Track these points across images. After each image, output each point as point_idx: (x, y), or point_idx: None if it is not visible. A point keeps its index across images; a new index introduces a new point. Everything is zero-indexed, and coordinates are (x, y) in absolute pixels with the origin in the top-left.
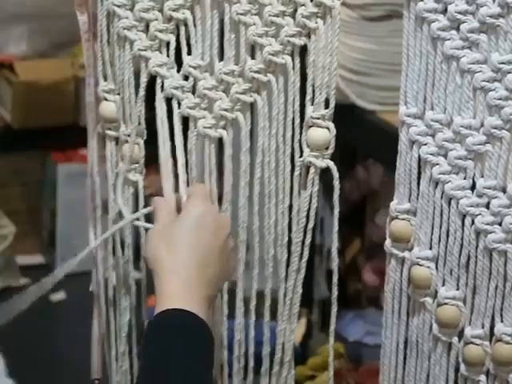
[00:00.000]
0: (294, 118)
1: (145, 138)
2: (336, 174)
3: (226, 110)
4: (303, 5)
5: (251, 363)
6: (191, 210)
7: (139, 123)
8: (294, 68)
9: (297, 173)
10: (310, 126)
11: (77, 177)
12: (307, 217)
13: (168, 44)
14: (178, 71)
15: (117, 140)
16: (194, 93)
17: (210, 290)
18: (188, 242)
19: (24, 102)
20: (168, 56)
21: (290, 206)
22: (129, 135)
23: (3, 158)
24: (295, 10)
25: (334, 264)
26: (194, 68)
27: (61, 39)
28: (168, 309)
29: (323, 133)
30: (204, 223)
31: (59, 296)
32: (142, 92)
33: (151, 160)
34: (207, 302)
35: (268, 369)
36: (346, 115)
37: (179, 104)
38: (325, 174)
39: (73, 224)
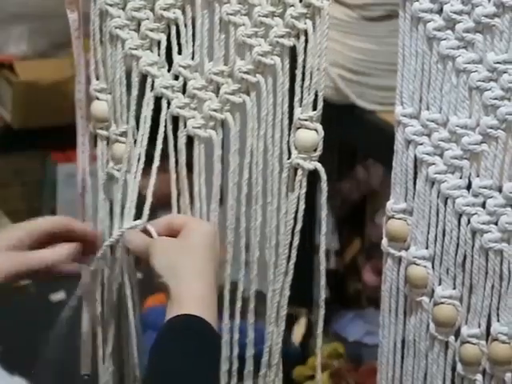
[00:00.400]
0: (282, 120)
1: (136, 137)
2: (324, 177)
3: (215, 110)
4: (292, 5)
5: (250, 365)
6: (200, 226)
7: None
8: (282, 69)
9: (285, 175)
10: (298, 128)
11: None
12: (295, 219)
13: (159, 43)
14: (169, 71)
15: (108, 139)
16: (184, 92)
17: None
18: (205, 255)
19: (24, 102)
20: (159, 55)
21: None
22: (120, 135)
23: (3, 158)
24: (284, 11)
25: (322, 267)
26: (184, 68)
27: (61, 39)
28: (183, 314)
29: (311, 135)
30: (215, 238)
31: (59, 296)
32: (134, 91)
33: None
34: (216, 312)
35: (252, 371)
36: (346, 115)
37: (169, 103)
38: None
39: None
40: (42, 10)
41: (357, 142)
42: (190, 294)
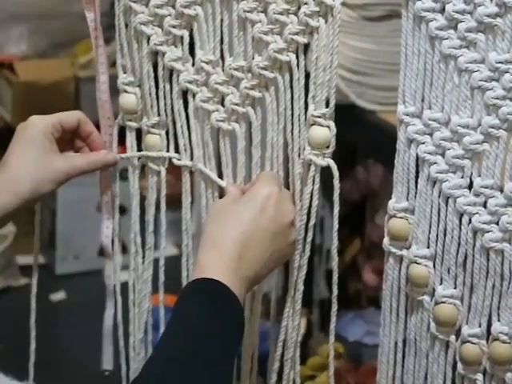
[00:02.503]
0: (299, 115)
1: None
2: (336, 173)
3: (236, 104)
4: (306, 3)
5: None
6: (256, 189)
7: (162, 115)
8: (298, 65)
9: (298, 170)
10: (312, 125)
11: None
12: (308, 214)
13: (182, 39)
14: (194, 65)
15: (137, 131)
16: (208, 86)
17: (249, 272)
18: (241, 219)
19: (24, 102)
20: (183, 50)
21: None
22: (151, 126)
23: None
24: (298, 9)
25: (334, 263)
26: (206, 63)
27: (61, 39)
28: (199, 278)
29: (324, 131)
30: (265, 206)
31: (59, 296)
32: (161, 85)
33: None
34: (244, 283)
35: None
36: (346, 115)
37: (194, 97)
38: (325, 173)
39: (73, 224)
40: (41, 10)
41: (357, 141)
42: (206, 260)
